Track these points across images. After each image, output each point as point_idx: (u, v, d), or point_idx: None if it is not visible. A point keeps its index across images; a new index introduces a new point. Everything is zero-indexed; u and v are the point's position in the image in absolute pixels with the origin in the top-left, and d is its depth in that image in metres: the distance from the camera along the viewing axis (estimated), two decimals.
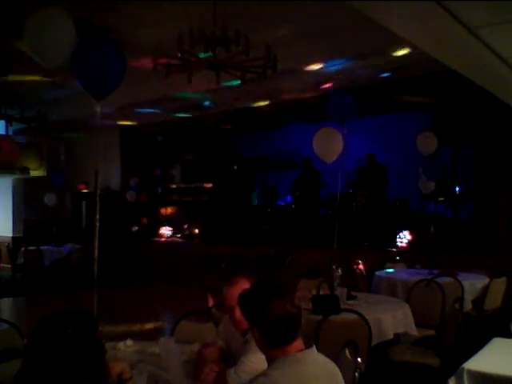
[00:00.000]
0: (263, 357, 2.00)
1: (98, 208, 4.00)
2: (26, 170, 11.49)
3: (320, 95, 9.19)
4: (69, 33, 3.62)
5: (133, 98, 9.88)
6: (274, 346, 1.91)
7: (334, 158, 6.15)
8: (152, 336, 6.21)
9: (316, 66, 8.19)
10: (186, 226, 12.53)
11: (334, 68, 8.24)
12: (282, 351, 1.89)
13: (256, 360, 2.37)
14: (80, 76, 3.75)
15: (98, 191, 4.04)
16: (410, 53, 7.18)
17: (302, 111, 10.87)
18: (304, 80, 8.86)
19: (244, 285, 2.50)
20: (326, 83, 8.88)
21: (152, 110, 11.36)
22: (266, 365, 1.96)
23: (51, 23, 3.59)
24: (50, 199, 11.82)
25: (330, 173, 7.91)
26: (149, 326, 7.43)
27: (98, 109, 3.89)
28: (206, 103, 10.68)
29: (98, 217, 3.99)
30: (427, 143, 7.69)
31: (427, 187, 8.33)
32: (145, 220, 13.26)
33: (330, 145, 6.13)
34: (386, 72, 8.56)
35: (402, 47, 7.13)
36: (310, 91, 9.47)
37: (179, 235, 12.48)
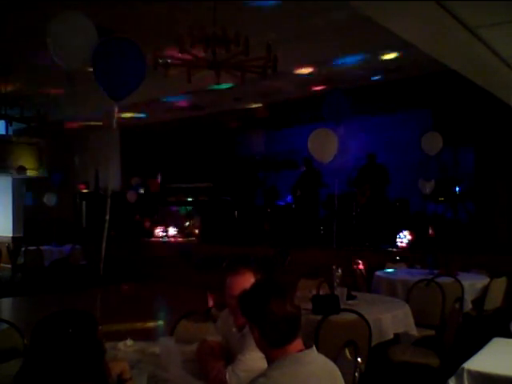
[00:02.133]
0: (260, 354, 2.00)
1: (108, 209, 4.01)
2: (25, 170, 11.48)
3: (320, 95, 9.18)
4: (90, 35, 3.63)
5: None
6: (274, 346, 1.90)
7: (330, 159, 6.17)
8: (152, 336, 6.23)
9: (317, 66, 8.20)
10: (186, 224, 12.52)
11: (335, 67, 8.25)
12: (281, 351, 1.89)
13: (253, 358, 2.37)
14: (99, 77, 3.75)
15: (110, 192, 4.06)
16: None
17: (302, 111, 10.86)
18: (305, 79, 8.86)
19: (248, 276, 2.50)
20: (326, 83, 8.88)
21: None
22: (263, 363, 1.96)
23: (74, 25, 3.60)
24: (49, 199, 11.82)
25: (331, 173, 7.91)
26: (149, 325, 7.44)
27: (116, 109, 3.89)
28: None
29: (107, 217, 4.01)
30: (432, 143, 7.71)
31: (427, 187, 8.35)
32: (144, 220, 13.25)
33: (325, 145, 6.15)
34: (386, 72, 8.56)
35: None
36: (311, 91, 9.47)
37: (178, 234, 12.47)
